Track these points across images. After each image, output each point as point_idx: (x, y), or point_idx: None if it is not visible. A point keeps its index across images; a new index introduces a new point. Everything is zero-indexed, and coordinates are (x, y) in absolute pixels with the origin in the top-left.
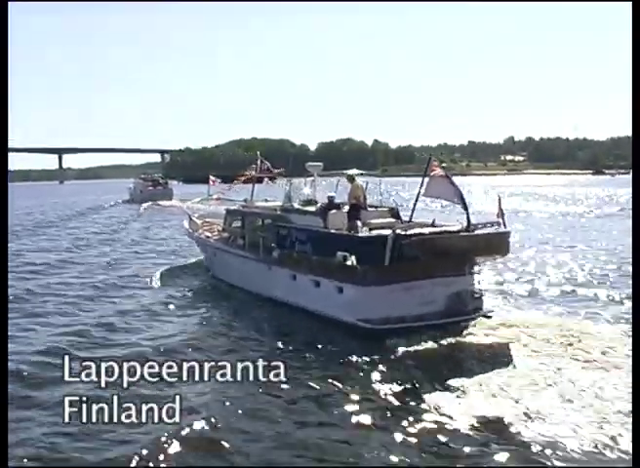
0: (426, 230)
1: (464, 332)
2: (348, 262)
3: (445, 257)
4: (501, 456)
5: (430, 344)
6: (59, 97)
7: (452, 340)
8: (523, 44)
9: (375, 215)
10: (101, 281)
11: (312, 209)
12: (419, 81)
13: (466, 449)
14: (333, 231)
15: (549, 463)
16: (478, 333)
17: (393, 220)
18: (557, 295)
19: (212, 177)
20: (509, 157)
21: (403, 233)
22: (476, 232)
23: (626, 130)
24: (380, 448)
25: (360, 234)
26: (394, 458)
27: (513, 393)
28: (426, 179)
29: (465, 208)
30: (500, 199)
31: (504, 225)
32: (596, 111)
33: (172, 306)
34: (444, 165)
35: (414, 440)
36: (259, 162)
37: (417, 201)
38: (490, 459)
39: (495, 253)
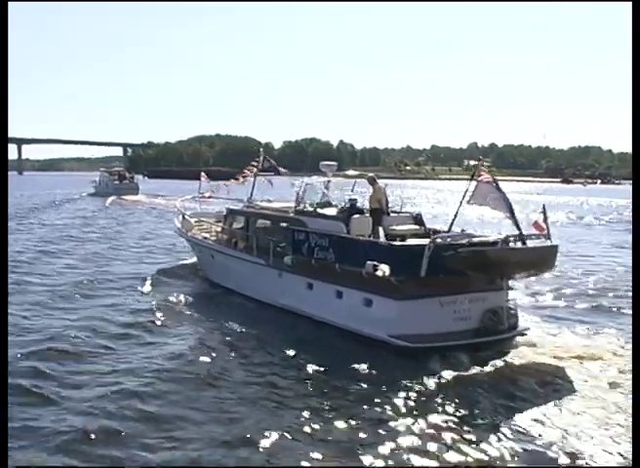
0: (467, 240)
1: (503, 353)
2: (379, 272)
3: (490, 272)
4: None
5: (471, 366)
6: (18, 86)
7: (492, 362)
8: (487, 49)
9: (397, 222)
10: (78, 284)
11: (332, 212)
12: (384, 84)
13: None
14: (361, 238)
15: (550, 463)
16: (518, 354)
17: (417, 227)
18: (583, 309)
19: (203, 174)
20: (473, 162)
21: (446, 243)
22: (529, 246)
23: (589, 140)
24: None
25: (395, 243)
26: None
27: (582, 425)
28: (472, 185)
29: (514, 218)
30: (544, 208)
31: (550, 238)
32: (559, 120)
33: (163, 318)
34: (408, 168)
35: None
36: (261, 158)
37: (458, 210)
38: None
39: (544, 268)
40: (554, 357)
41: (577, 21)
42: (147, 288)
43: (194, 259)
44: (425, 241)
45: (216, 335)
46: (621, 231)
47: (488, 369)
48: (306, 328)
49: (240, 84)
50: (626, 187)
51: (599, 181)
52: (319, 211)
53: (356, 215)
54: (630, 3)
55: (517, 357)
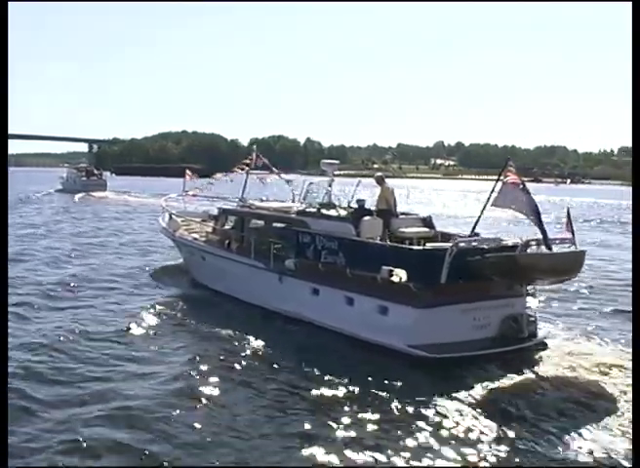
0: (490, 245)
1: (526, 362)
2: (395, 278)
3: (518, 278)
4: None
5: (494, 377)
6: None
7: (516, 373)
8: (453, 49)
9: (407, 224)
10: (52, 286)
11: (339, 213)
12: (351, 82)
13: None
14: (377, 241)
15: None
16: (541, 364)
17: (427, 230)
18: (601, 314)
19: (188, 172)
20: (440, 161)
21: (470, 248)
22: (558, 251)
23: (555, 139)
24: None
25: (415, 247)
26: None
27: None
28: (498, 186)
29: (540, 222)
30: (568, 211)
31: (575, 243)
32: (524, 120)
33: (153, 327)
34: (375, 166)
35: None
36: (254, 156)
37: (483, 211)
38: None
39: (571, 275)
40: (580, 366)
41: (577, 21)
42: (132, 291)
43: (180, 261)
44: (445, 245)
45: (214, 343)
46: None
47: (512, 380)
48: (312, 335)
49: (206, 80)
50: (599, 187)
51: (569, 181)
52: (324, 211)
53: (367, 217)
54: (630, 3)
55: (540, 367)
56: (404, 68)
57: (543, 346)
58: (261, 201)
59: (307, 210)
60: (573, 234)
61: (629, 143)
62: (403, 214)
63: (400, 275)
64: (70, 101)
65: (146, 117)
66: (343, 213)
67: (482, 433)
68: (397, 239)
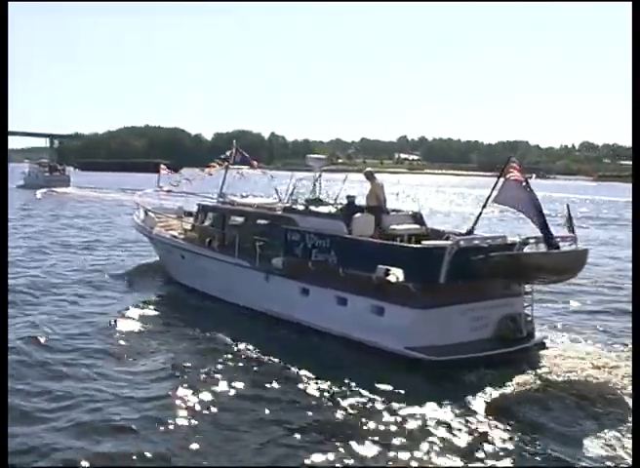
0: (491, 243)
1: (526, 363)
2: (391, 278)
3: (523, 277)
4: None
5: (498, 380)
6: None
7: (517, 375)
8: (415, 46)
9: (397, 221)
10: (18, 289)
11: (329, 211)
12: (315, 76)
13: None
14: (372, 239)
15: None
16: (542, 366)
17: (418, 227)
18: (596, 312)
19: (163, 166)
20: (404, 155)
21: (472, 246)
22: (563, 250)
23: (520, 134)
24: None
25: (413, 245)
26: None
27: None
28: (500, 183)
29: (543, 221)
30: (568, 207)
31: (577, 241)
32: (487, 114)
33: (133, 332)
34: (340, 160)
35: None
36: (234, 150)
37: (484, 208)
38: None
39: (573, 274)
40: (580, 368)
41: (577, 22)
42: (103, 294)
43: (154, 259)
44: (444, 243)
45: (199, 346)
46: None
47: (513, 383)
48: (301, 336)
49: (168, 74)
50: (565, 182)
51: (534, 176)
52: (313, 208)
53: (358, 214)
54: (630, 3)
55: (541, 368)
56: (369, 66)
57: (542, 347)
58: (242, 197)
59: (295, 206)
60: (573, 232)
61: (590, 138)
62: (393, 210)
63: (397, 274)
64: (29, 95)
65: (108, 111)
66: (333, 209)
67: (484, 437)
68: (388, 236)
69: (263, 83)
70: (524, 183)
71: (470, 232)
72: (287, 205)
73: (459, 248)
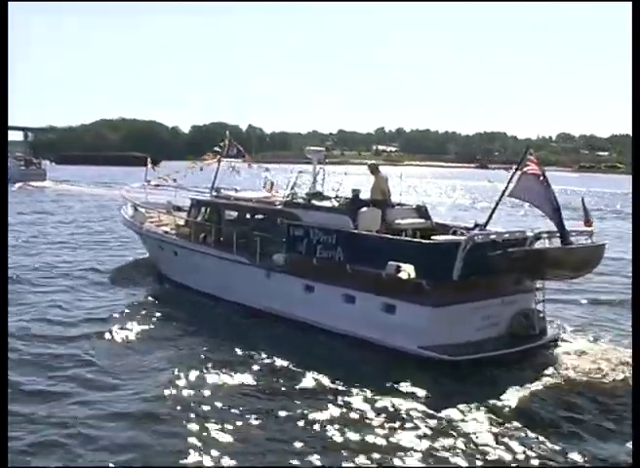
0: (506, 238)
1: (543, 363)
2: (402, 274)
3: (542, 273)
4: None
5: (515, 380)
6: None
7: (537, 375)
8: (390, 37)
9: (402, 214)
10: None
11: (333, 205)
12: (290, 66)
13: None
14: (381, 235)
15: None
16: (557, 365)
17: (423, 221)
18: (603, 307)
19: (150, 160)
20: (381, 147)
21: (488, 241)
22: (582, 245)
23: (497, 125)
24: None
25: (425, 240)
26: None
27: None
28: (516, 176)
29: (559, 216)
30: (583, 201)
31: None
32: (464, 105)
33: (129, 333)
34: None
35: None
36: (227, 142)
37: (498, 202)
38: None
39: (590, 269)
40: (597, 367)
41: (577, 21)
42: (93, 292)
43: (143, 255)
44: (458, 238)
45: (198, 347)
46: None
47: (531, 381)
48: (306, 336)
49: (143, 66)
50: (547, 174)
51: (515, 167)
52: (316, 203)
53: (364, 209)
54: (630, 3)
55: (556, 367)
56: (347, 57)
57: (555, 344)
58: (236, 191)
59: (296, 201)
60: (590, 225)
61: (568, 129)
62: (397, 204)
63: (408, 271)
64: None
65: (82, 104)
66: (337, 203)
67: (507, 438)
68: (393, 231)
69: (238, 75)
70: (541, 177)
71: (477, 225)
72: (287, 199)
73: (474, 243)
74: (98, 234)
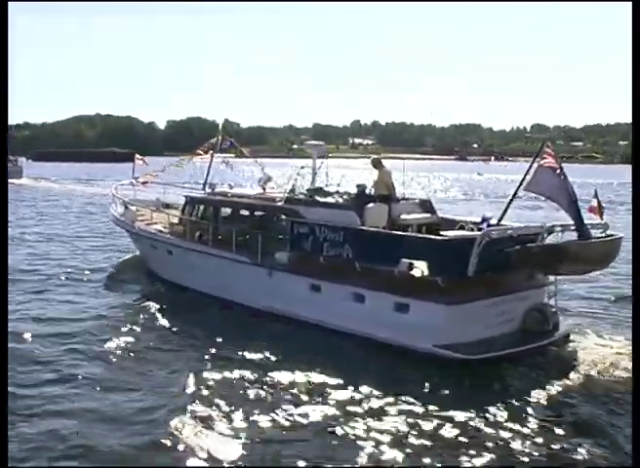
0: (520, 233)
1: (560, 361)
2: (415, 272)
3: (561, 268)
4: None
5: (537, 379)
6: None
7: (558, 371)
8: (366, 26)
9: (407, 209)
10: None
11: (337, 200)
12: (266, 61)
13: None
14: (392, 232)
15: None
16: (573, 362)
17: (429, 216)
18: (612, 300)
19: (138, 156)
20: (358, 140)
21: (505, 237)
22: (601, 238)
23: (471, 117)
24: None
25: (438, 237)
26: None
27: None
28: (532, 169)
29: (576, 210)
30: (596, 193)
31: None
32: (438, 97)
33: (127, 337)
34: (294, 146)
35: None
36: (220, 138)
37: (514, 197)
38: None
39: (608, 263)
40: (612, 363)
41: (576, 21)
42: (87, 292)
43: (133, 254)
44: (472, 234)
45: (202, 350)
46: None
47: (550, 379)
48: (313, 336)
49: (117, 61)
50: (525, 164)
51: (493, 158)
52: (319, 199)
53: (371, 204)
54: (630, 3)
55: (573, 365)
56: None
57: (568, 339)
58: (230, 187)
59: (297, 197)
60: (601, 217)
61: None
62: (402, 198)
63: (421, 269)
64: None
65: (57, 100)
66: (341, 199)
67: (536, 438)
68: (399, 227)
69: (214, 68)
70: (558, 170)
71: (484, 220)
72: (288, 195)
73: (490, 238)
74: (82, 232)
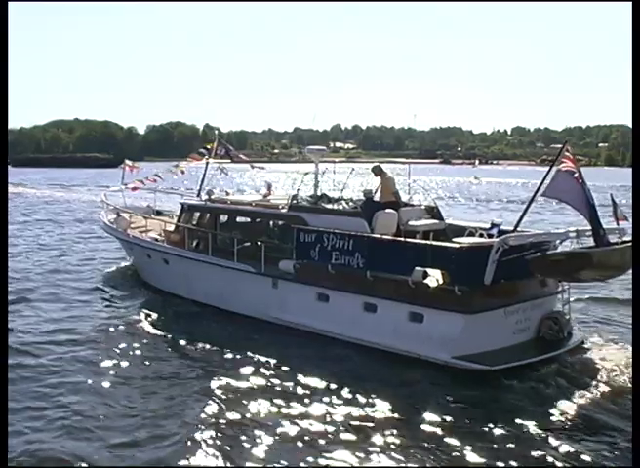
0: (539, 239)
1: (578, 369)
2: (430, 281)
3: (583, 276)
4: None
5: (558, 388)
6: None
7: (579, 380)
8: (347, 30)
9: (413, 215)
10: None
11: (344, 207)
12: (252, 65)
13: None
14: (407, 240)
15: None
16: (593, 371)
17: (436, 222)
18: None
19: (128, 162)
20: (339, 144)
21: (526, 243)
22: (620, 245)
23: (454, 120)
24: None
25: (455, 244)
26: None
27: None
28: (552, 173)
29: (595, 216)
30: (612, 197)
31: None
32: (419, 101)
33: (121, 350)
34: (275, 151)
35: None
36: (215, 144)
37: (531, 202)
38: None
39: (627, 269)
40: (627, 369)
41: (557, 22)
42: (80, 304)
43: (122, 264)
44: (488, 241)
45: (208, 364)
46: None
47: (571, 389)
48: (322, 348)
49: (96, 66)
50: (510, 168)
51: (477, 162)
52: (326, 206)
53: (380, 211)
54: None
55: (593, 373)
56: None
57: (582, 347)
58: (227, 194)
59: (302, 204)
60: (617, 222)
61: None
62: (405, 204)
63: (437, 277)
64: None
65: (34, 105)
66: (347, 206)
67: (570, 451)
68: (406, 234)
69: (195, 74)
70: (576, 174)
71: (493, 225)
72: (292, 202)
73: (508, 246)
74: (68, 241)
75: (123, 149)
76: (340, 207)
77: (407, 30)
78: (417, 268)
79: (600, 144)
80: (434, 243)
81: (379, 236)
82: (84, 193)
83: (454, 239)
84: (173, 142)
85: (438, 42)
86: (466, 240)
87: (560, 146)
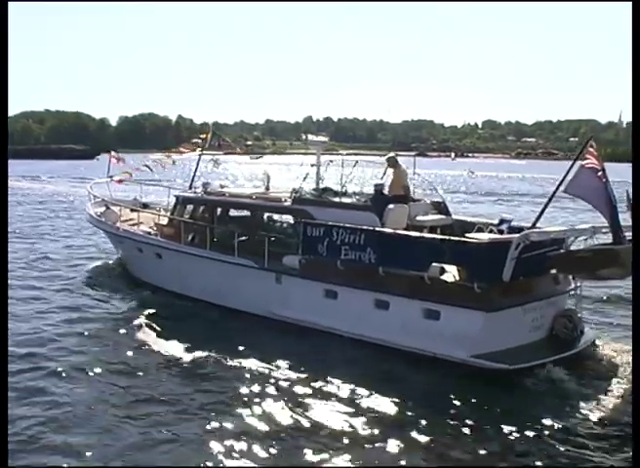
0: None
1: (597, 366)
2: (447, 277)
3: (605, 274)
4: None
5: (581, 388)
6: None
7: (598, 380)
8: (322, 23)
9: (422, 210)
10: None
11: (353, 201)
12: (222, 57)
13: None
14: (423, 235)
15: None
16: (609, 369)
17: (444, 217)
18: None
19: (114, 154)
20: (311, 136)
21: (547, 239)
22: None
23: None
24: None
25: (473, 240)
26: None
27: None
28: (574, 169)
29: (614, 214)
30: (628, 193)
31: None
32: (391, 94)
33: (119, 349)
34: (249, 143)
35: None
36: (209, 135)
37: (551, 199)
38: None
39: None
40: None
41: (529, 17)
42: (69, 302)
43: (108, 260)
44: (508, 237)
45: (212, 364)
46: None
47: (592, 388)
48: (331, 346)
49: (67, 55)
50: (486, 161)
51: (453, 155)
52: (333, 199)
53: (391, 205)
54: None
55: (609, 369)
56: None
57: (595, 345)
58: (221, 187)
59: (306, 197)
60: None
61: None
62: (413, 199)
63: (454, 273)
64: None
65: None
66: (355, 199)
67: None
68: (415, 228)
69: (167, 65)
70: (600, 172)
71: (506, 221)
72: (296, 195)
73: (529, 242)
74: (49, 234)
75: (96, 140)
76: (349, 200)
77: (406, 30)
78: (434, 264)
79: (571, 139)
80: (452, 238)
81: (392, 231)
82: (63, 185)
83: (467, 235)
84: (146, 134)
85: (438, 42)
86: (485, 235)
87: (531, 139)
